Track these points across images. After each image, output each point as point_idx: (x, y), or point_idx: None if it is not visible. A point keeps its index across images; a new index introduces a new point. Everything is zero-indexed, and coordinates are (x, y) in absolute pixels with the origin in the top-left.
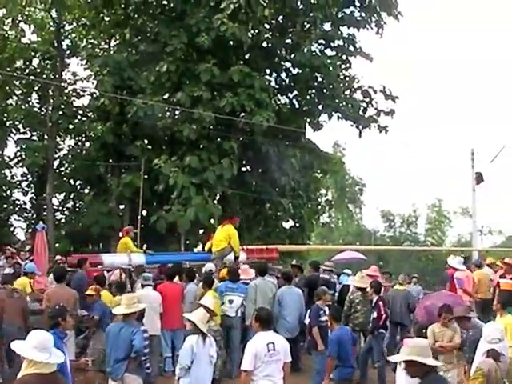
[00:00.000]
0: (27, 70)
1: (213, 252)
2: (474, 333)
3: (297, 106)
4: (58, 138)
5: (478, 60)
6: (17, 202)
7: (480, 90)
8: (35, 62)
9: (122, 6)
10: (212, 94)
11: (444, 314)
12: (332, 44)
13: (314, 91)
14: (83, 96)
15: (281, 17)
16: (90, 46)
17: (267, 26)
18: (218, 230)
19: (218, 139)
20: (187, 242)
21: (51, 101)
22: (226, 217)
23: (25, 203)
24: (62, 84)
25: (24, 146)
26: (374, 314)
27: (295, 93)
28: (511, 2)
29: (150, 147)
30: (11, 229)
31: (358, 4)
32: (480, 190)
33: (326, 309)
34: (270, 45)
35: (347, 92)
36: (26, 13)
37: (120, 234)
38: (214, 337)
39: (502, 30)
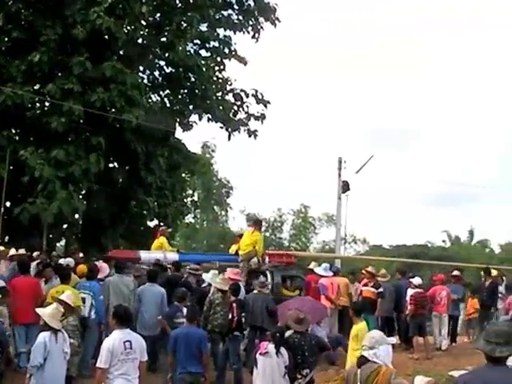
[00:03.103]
0: None
1: (240, 255)
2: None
3: (168, 105)
4: None
5: (353, 69)
6: None
7: (353, 100)
8: None
9: None
10: (83, 87)
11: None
12: (207, 45)
13: (185, 91)
14: None
15: (158, 14)
16: None
17: (144, 22)
18: (245, 234)
19: (87, 134)
20: (50, 235)
21: None
22: (255, 223)
23: None
24: None
25: None
26: (230, 316)
27: (167, 92)
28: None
29: (17, 138)
30: None
31: (236, 7)
32: (346, 199)
33: (185, 310)
34: (145, 42)
35: (219, 94)
36: None
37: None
38: (73, 331)
39: (380, 38)
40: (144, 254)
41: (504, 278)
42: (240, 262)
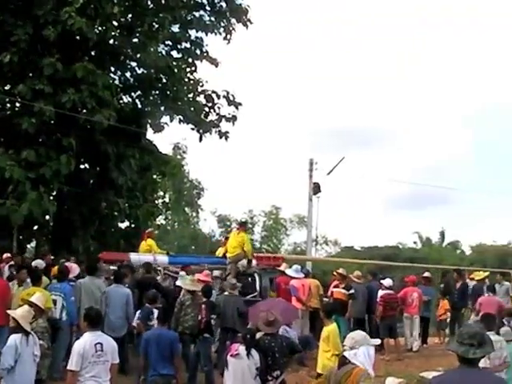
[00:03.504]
0: None
1: (228, 257)
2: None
3: (139, 106)
4: None
5: (325, 70)
6: None
7: (325, 101)
8: None
9: None
10: (54, 88)
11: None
12: (179, 46)
13: (157, 92)
14: None
15: (129, 15)
16: None
17: (115, 23)
18: (231, 236)
19: (58, 135)
20: (20, 237)
21: None
22: (240, 224)
23: None
24: None
25: None
26: (199, 318)
27: (138, 93)
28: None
29: None
30: None
31: (208, 8)
32: (317, 200)
33: (156, 312)
34: (116, 42)
35: (190, 95)
36: None
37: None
38: (42, 332)
39: (352, 39)
40: (134, 257)
41: (487, 280)
42: (228, 264)
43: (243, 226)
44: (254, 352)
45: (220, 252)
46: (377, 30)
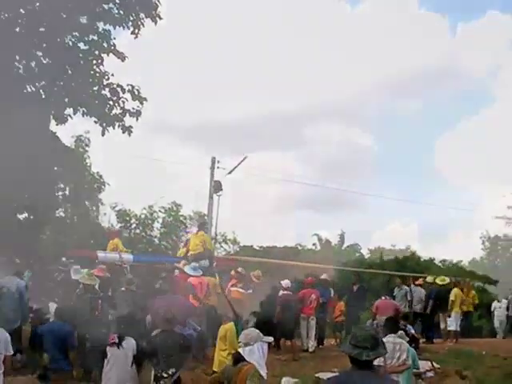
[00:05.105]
0: None
1: (190, 254)
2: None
3: (43, 97)
4: None
5: (234, 67)
6: None
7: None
8: None
9: None
10: None
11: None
12: (86, 38)
13: (62, 83)
14: None
15: (37, 4)
16: None
17: (22, 11)
18: (191, 237)
19: None
20: None
21: None
22: (199, 225)
23: None
24: None
25: None
26: (96, 313)
27: (43, 83)
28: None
29: None
30: None
31: (117, 1)
32: (217, 199)
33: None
34: (22, 31)
35: (95, 88)
36: None
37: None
38: None
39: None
40: (101, 254)
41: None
42: (190, 261)
43: (202, 226)
44: (128, 340)
45: (182, 252)
46: (285, 28)
